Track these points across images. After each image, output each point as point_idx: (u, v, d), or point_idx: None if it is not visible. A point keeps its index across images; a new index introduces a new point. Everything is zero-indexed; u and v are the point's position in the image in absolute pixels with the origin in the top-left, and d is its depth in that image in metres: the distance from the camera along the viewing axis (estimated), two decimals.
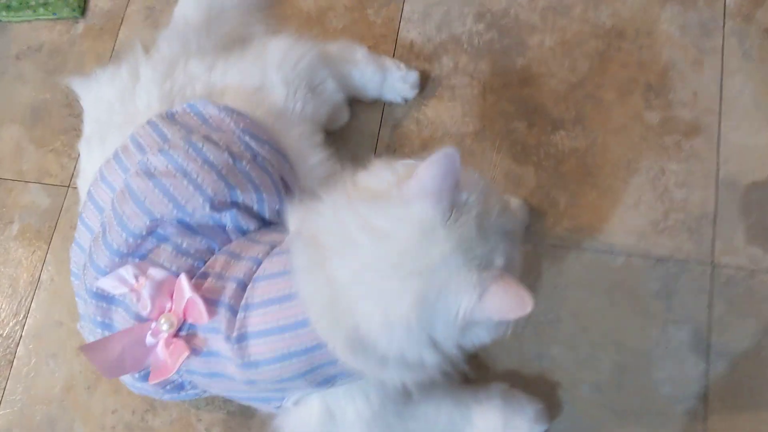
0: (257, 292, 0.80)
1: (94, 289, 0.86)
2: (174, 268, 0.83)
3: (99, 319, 0.87)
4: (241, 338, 0.79)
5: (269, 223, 0.90)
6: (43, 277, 1.14)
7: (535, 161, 1.05)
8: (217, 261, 0.84)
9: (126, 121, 0.94)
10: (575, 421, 0.93)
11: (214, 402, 1.02)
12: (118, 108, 0.97)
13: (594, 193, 1.02)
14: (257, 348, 0.78)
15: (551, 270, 0.99)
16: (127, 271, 0.83)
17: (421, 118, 1.10)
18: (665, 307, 0.95)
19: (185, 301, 0.80)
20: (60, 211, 1.17)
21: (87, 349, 0.82)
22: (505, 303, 0.67)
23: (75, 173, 1.18)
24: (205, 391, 0.93)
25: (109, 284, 0.84)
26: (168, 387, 0.91)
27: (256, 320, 0.78)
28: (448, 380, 0.94)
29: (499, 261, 0.69)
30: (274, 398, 0.87)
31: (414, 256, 0.68)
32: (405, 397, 0.89)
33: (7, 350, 1.11)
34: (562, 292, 0.98)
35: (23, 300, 1.13)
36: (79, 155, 1.17)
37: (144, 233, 0.84)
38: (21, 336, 1.11)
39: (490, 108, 1.08)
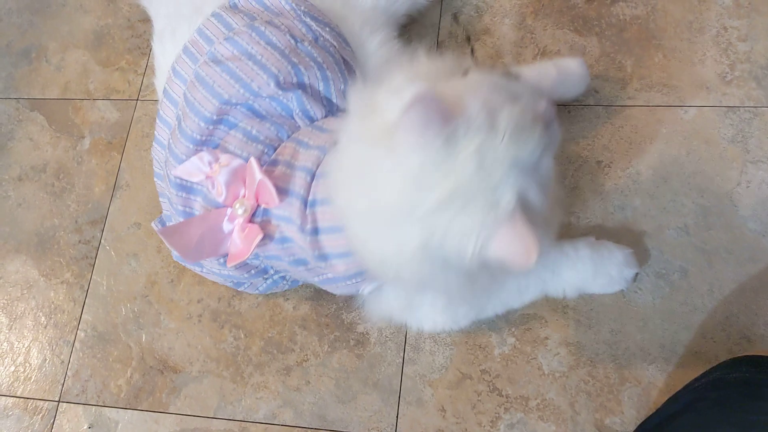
0: (319, 189, 0.82)
1: (173, 179, 0.88)
2: (245, 155, 0.85)
3: (180, 208, 0.90)
4: (314, 231, 0.81)
5: (336, 108, 0.92)
6: (119, 183, 1.15)
7: (598, 31, 1.07)
8: (286, 148, 0.86)
9: (194, 11, 0.96)
10: (665, 264, 0.94)
11: None
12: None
13: (659, 54, 1.04)
14: (327, 242, 0.81)
15: (625, 128, 1.01)
16: (202, 159, 0.86)
17: (480, 4, 1.13)
18: (742, 150, 0.97)
19: (256, 183, 0.83)
20: (131, 122, 1.19)
21: (165, 232, 0.84)
22: (509, 250, 0.63)
23: (142, 87, 1.21)
24: (287, 278, 0.95)
25: (185, 172, 0.87)
26: (252, 271, 0.93)
27: (322, 216, 0.81)
28: None
29: (507, 198, 0.63)
30: (352, 289, 0.89)
31: (410, 204, 0.66)
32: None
33: (89, 254, 1.12)
34: (638, 147, 1.00)
35: (100, 206, 1.15)
36: (145, 71, 1.21)
37: (215, 117, 0.87)
38: (101, 240, 1.13)
39: None
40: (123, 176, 1.16)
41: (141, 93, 1.20)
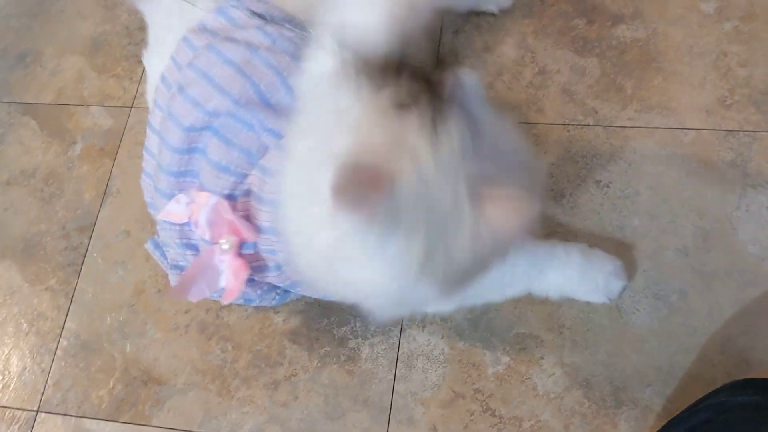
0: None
1: (161, 222, 0.88)
2: (218, 190, 0.83)
3: (178, 240, 0.89)
4: None
5: None
6: (110, 190, 1.13)
7: (598, 53, 1.07)
8: (254, 178, 0.83)
9: (182, 24, 0.94)
10: (663, 285, 0.92)
11: None
12: (176, 10, 0.97)
13: (659, 77, 1.04)
14: None
15: (625, 149, 1.01)
16: (179, 202, 0.85)
17: (481, 23, 1.13)
18: (742, 174, 0.96)
19: (229, 223, 0.81)
20: (124, 129, 1.17)
21: (177, 292, 0.83)
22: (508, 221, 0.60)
23: (137, 94, 1.20)
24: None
25: (169, 215, 0.86)
26: (263, 288, 0.90)
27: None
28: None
29: (468, 219, 0.59)
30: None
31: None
32: None
33: (75, 260, 1.10)
34: (638, 168, 0.99)
35: (89, 213, 1.13)
36: (141, 78, 1.20)
37: (185, 147, 0.85)
38: (88, 246, 1.10)
39: (549, 9, 1.12)
40: (114, 183, 1.14)
41: (136, 100, 1.19)
